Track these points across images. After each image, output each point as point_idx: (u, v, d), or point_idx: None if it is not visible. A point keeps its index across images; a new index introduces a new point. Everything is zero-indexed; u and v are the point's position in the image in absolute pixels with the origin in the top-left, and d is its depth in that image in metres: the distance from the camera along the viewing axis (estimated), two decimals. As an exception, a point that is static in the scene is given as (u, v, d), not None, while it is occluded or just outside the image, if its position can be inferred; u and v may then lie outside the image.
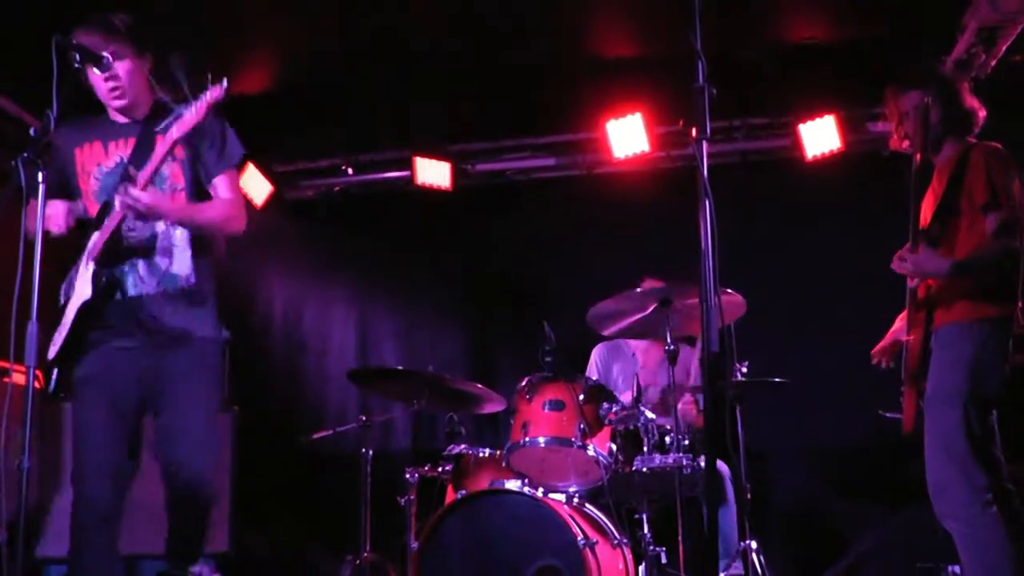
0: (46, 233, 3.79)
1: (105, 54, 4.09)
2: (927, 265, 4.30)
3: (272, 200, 8.24)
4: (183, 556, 4.17)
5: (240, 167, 4.40)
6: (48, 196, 4.03)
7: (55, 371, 4.19)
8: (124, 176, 4.09)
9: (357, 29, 6.98)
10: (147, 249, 4.16)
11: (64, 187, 4.27)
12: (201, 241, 4.26)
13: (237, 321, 7.86)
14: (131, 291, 4.14)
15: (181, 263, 4.20)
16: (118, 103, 4.24)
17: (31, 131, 3.75)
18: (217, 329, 4.31)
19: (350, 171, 8.38)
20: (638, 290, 5.26)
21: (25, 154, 3.68)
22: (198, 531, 4.21)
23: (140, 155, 4.15)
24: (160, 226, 4.17)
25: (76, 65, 3.97)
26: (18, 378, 4.62)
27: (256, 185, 8.10)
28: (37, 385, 3.81)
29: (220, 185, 4.29)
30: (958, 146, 4.50)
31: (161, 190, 4.16)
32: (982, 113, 4.58)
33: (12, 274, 3.67)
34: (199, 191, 4.27)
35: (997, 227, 4.25)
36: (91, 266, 4.09)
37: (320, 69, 7.52)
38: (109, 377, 4.13)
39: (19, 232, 3.74)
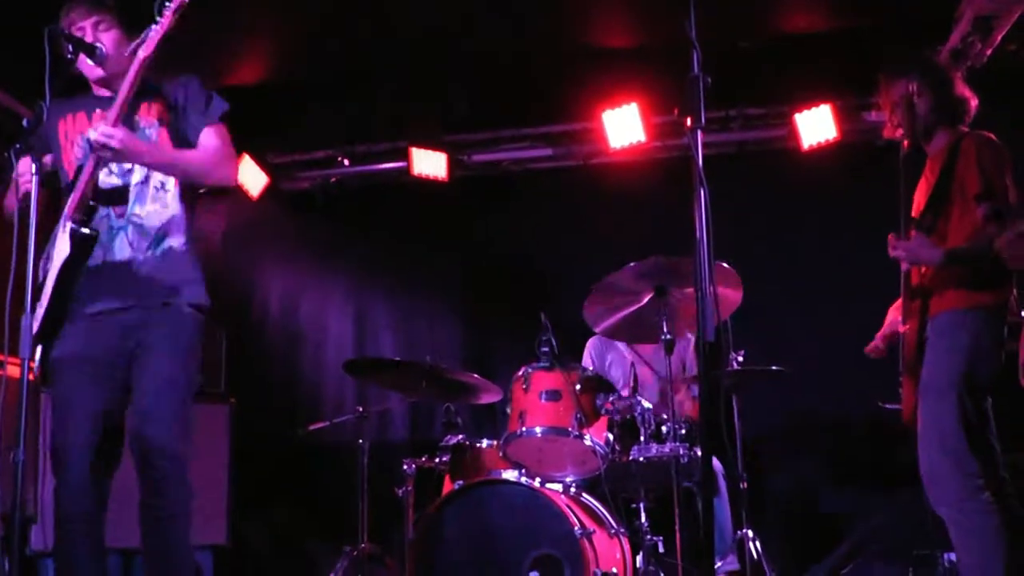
0: (26, 195, 3.71)
1: (98, 44, 4.06)
2: (920, 252, 4.30)
3: (268, 191, 8.24)
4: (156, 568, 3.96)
5: (226, 121, 4.27)
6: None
7: (39, 348, 4.03)
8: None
9: (352, 20, 6.97)
10: (128, 202, 4.07)
11: (51, 164, 4.20)
12: (191, 201, 4.18)
13: (234, 312, 7.96)
14: (118, 254, 4.04)
15: (169, 222, 4.10)
16: (97, 71, 4.13)
17: (24, 122, 3.72)
18: (202, 296, 4.15)
19: (346, 162, 8.38)
20: (632, 264, 5.18)
21: (18, 145, 3.66)
22: (167, 527, 3.93)
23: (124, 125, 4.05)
24: (139, 177, 4.09)
25: (69, 55, 3.95)
26: (12, 370, 4.57)
27: (252, 176, 8.10)
28: (31, 378, 3.80)
29: (205, 137, 4.14)
30: (950, 135, 4.50)
31: None
32: (974, 102, 4.57)
33: (5, 267, 3.66)
34: None
35: (989, 217, 4.26)
36: (68, 225, 3.94)
37: (316, 60, 7.51)
38: (90, 349, 4.00)
39: (12, 224, 3.72)
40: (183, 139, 4.15)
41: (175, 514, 3.92)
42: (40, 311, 3.98)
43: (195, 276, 4.15)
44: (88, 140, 3.87)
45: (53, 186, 4.21)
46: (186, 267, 4.12)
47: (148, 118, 4.12)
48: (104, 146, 3.81)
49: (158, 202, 4.11)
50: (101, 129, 3.81)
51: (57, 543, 3.99)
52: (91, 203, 4.00)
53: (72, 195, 4.00)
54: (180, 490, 3.93)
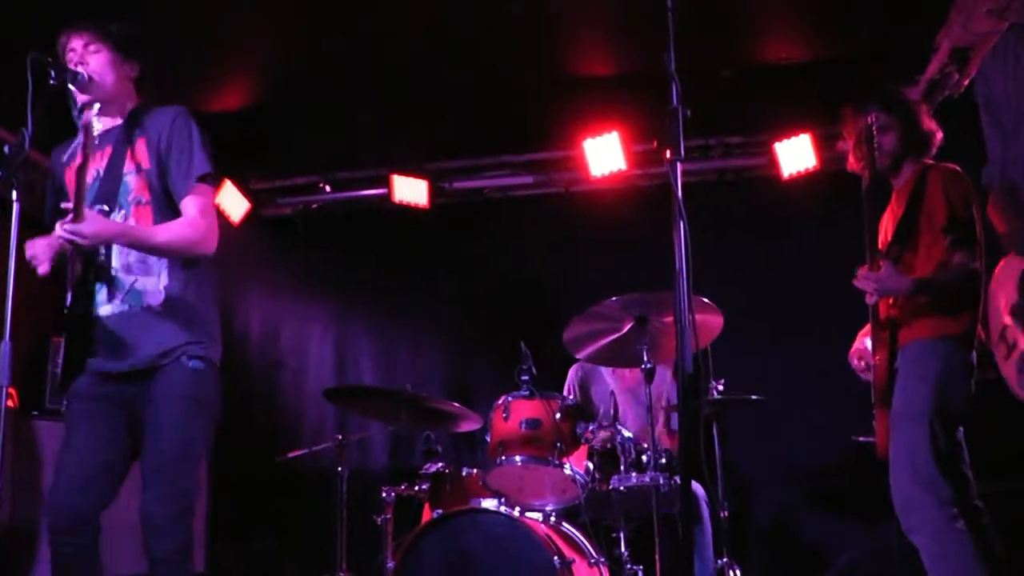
0: (34, 271, 3.76)
1: (81, 70, 4.05)
2: (889, 283, 4.34)
3: (249, 217, 8.23)
4: None
5: (210, 181, 4.21)
6: (51, 220, 4.06)
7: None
8: (93, 181, 4.01)
9: (334, 47, 6.98)
10: (118, 266, 4.02)
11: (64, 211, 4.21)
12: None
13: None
14: (98, 310, 4.00)
15: (149, 279, 4.03)
16: (83, 97, 4.07)
17: (5, 148, 3.71)
18: (198, 349, 4.05)
19: (328, 188, 8.39)
20: (613, 298, 5.20)
21: (0, 173, 3.64)
22: None
23: (110, 172, 4.06)
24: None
25: (52, 82, 3.93)
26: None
27: (234, 202, 8.10)
28: (11, 404, 3.78)
29: (187, 206, 4.06)
30: (916, 167, 4.57)
31: (124, 204, 4.04)
32: (939, 135, 4.64)
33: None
34: (169, 204, 4.08)
35: (956, 247, 4.31)
36: (70, 293, 3.99)
37: (297, 86, 7.52)
38: (99, 396, 4.00)
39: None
40: (164, 190, 4.10)
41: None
42: (60, 361, 4.00)
43: (184, 330, 4.06)
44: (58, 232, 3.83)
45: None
46: (171, 321, 4.03)
47: (130, 163, 4.07)
48: (72, 242, 3.80)
49: (133, 255, 4.05)
50: (66, 228, 3.77)
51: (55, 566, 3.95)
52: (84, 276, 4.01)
53: (77, 261, 4.01)
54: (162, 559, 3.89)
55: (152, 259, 4.05)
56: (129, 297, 4.02)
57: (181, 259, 4.09)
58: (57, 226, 3.82)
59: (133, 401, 3.99)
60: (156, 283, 4.04)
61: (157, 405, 3.96)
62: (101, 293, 4.02)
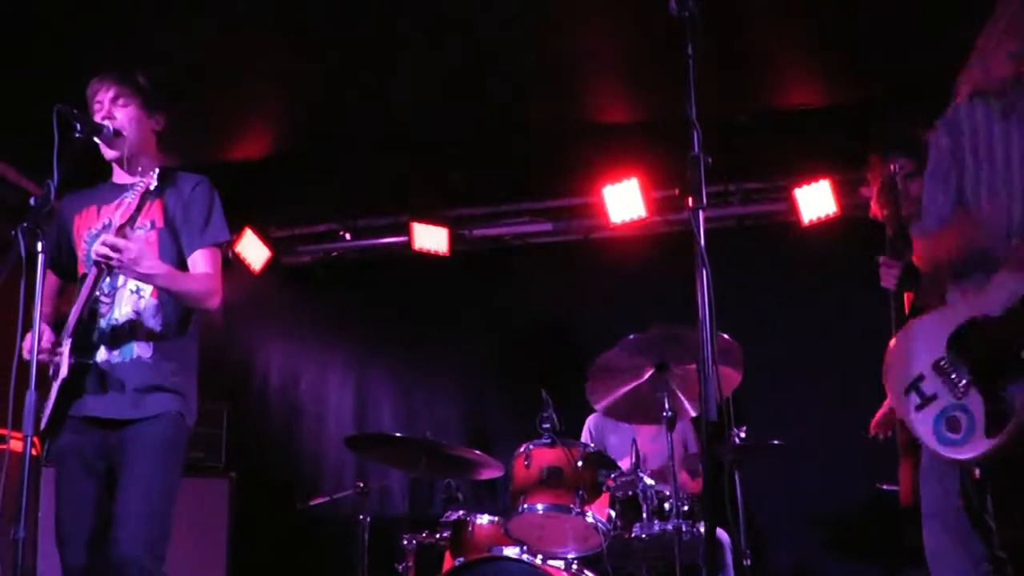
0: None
1: (106, 123, 4.10)
2: None
3: (269, 265, 8.27)
4: None
5: (223, 247, 4.30)
6: (49, 266, 4.06)
7: (47, 442, 4.10)
8: (103, 229, 4.08)
9: (354, 96, 7.03)
10: (117, 317, 4.09)
11: (65, 257, 4.27)
12: (170, 317, 4.16)
13: (235, 387, 7.96)
14: (96, 358, 4.05)
15: (142, 331, 4.09)
16: (112, 153, 4.18)
17: (32, 200, 3.74)
18: (176, 408, 4.11)
19: (348, 236, 8.43)
20: (631, 336, 5.21)
21: (25, 224, 3.67)
22: None
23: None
24: (129, 297, 4.11)
25: (77, 134, 3.97)
26: (15, 445, 4.58)
27: (254, 250, 8.13)
28: (34, 452, 3.79)
29: (199, 260, 4.17)
30: None
31: None
32: None
33: (11, 342, 3.67)
34: (174, 262, 4.16)
35: None
36: (68, 342, 4.00)
37: (317, 135, 7.56)
38: (82, 450, 4.04)
39: (18, 301, 3.73)
40: (172, 247, 4.18)
41: None
42: (46, 412, 4.02)
43: (169, 390, 4.11)
44: (93, 252, 3.90)
45: (69, 275, 4.29)
46: (158, 379, 4.09)
47: (144, 219, 4.12)
48: (109, 257, 3.85)
49: (131, 305, 4.12)
50: (110, 241, 3.84)
51: None
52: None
53: (75, 308, 4.04)
54: None
55: (147, 314, 4.12)
56: (123, 349, 4.08)
57: (175, 319, 4.17)
58: (96, 244, 3.88)
59: (114, 446, 4.03)
60: (147, 337, 4.11)
61: (135, 450, 4.00)
62: (97, 340, 4.07)
